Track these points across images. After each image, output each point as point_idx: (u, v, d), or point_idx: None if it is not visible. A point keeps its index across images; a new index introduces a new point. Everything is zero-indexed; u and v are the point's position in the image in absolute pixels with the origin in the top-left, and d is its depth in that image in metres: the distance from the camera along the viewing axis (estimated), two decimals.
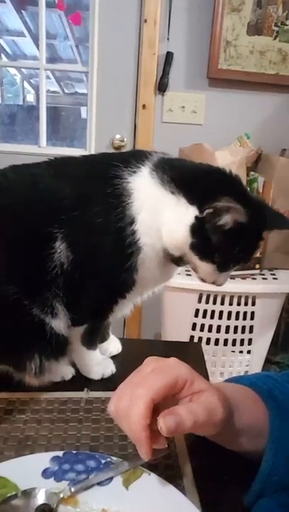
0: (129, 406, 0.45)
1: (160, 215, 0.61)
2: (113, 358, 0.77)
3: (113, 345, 0.80)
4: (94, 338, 0.71)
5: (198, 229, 0.59)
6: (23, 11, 2.73)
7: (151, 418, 0.44)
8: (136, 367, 0.73)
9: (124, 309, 0.72)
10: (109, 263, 0.63)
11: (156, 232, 0.61)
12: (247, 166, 1.64)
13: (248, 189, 0.66)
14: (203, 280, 0.65)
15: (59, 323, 0.64)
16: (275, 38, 1.75)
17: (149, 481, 0.49)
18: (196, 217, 0.59)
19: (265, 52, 1.76)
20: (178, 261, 0.65)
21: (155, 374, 0.47)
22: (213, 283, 0.65)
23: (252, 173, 1.65)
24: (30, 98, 3.82)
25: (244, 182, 1.59)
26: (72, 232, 0.60)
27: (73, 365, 0.73)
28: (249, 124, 1.81)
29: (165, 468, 0.53)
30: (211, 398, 0.47)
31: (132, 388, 0.47)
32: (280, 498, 0.64)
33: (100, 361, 0.73)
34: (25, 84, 3.95)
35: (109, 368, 0.73)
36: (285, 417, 0.52)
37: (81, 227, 0.61)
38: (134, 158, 0.63)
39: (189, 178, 0.62)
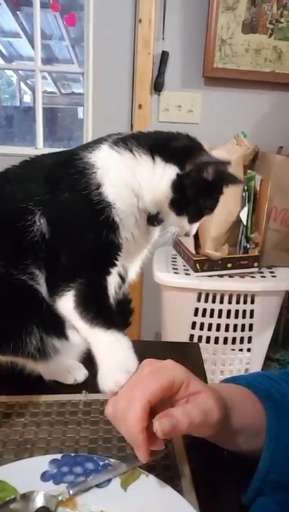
0: (126, 408, 0.45)
1: (130, 176, 0.66)
2: None
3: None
4: (92, 303, 0.60)
5: (179, 185, 0.65)
6: (18, 12, 2.73)
7: (148, 420, 0.45)
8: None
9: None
10: (85, 230, 0.65)
11: (126, 191, 0.66)
12: (244, 165, 1.65)
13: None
14: (177, 235, 0.70)
15: (44, 291, 0.64)
16: (270, 36, 1.75)
17: (147, 483, 0.49)
18: (178, 175, 0.65)
19: (260, 50, 1.76)
20: (153, 220, 0.69)
21: (151, 376, 0.48)
22: (186, 234, 0.71)
23: (249, 171, 1.66)
24: (27, 99, 3.82)
25: (242, 179, 1.61)
26: (47, 210, 0.65)
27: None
28: (245, 122, 1.81)
29: (163, 469, 0.54)
30: (206, 399, 0.47)
31: (129, 390, 0.48)
32: (277, 496, 0.64)
33: (123, 350, 0.57)
34: (22, 85, 3.95)
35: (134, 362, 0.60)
36: (282, 416, 0.52)
37: (54, 205, 0.65)
38: (93, 142, 0.70)
39: (159, 141, 0.68)
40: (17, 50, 3.33)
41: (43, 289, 0.65)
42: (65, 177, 0.67)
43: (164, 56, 1.79)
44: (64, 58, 3.14)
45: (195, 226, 0.71)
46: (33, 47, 1.96)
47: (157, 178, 0.65)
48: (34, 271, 0.64)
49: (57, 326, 0.67)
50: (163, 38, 1.78)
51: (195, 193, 0.66)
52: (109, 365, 0.54)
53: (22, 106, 3.85)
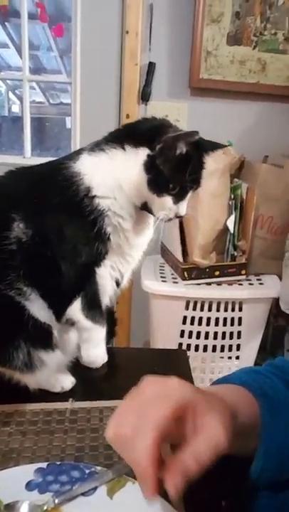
0: (132, 438, 0.41)
1: (113, 173, 0.68)
2: (102, 367, 0.77)
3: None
4: (95, 307, 0.73)
5: (151, 165, 0.67)
6: (6, 23, 2.75)
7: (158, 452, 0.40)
8: (124, 375, 0.74)
9: (106, 280, 0.75)
10: (77, 236, 0.68)
11: (116, 194, 0.68)
12: (230, 173, 1.66)
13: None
14: (167, 218, 0.71)
15: (34, 306, 0.65)
16: (254, 48, 1.78)
17: (134, 490, 0.49)
18: (148, 155, 0.67)
19: (245, 62, 1.79)
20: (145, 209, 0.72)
21: (159, 402, 0.42)
22: (177, 216, 0.72)
23: (235, 179, 1.67)
24: (16, 109, 3.83)
25: (228, 188, 1.63)
26: (30, 214, 0.66)
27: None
28: (231, 131, 1.83)
29: None
30: (214, 427, 0.41)
31: (134, 416, 0.42)
32: (271, 502, 0.64)
33: (104, 345, 0.76)
34: (11, 95, 3.96)
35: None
36: (276, 414, 0.51)
37: (39, 209, 0.67)
38: (74, 152, 0.73)
39: (126, 130, 0.72)
40: (5, 60, 3.34)
41: (32, 304, 0.65)
42: (54, 185, 0.69)
43: (151, 67, 1.81)
44: (52, 68, 3.16)
45: (183, 205, 0.71)
46: (21, 57, 1.97)
47: (131, 164, 0.67)
48: (21, 287, 0.64)
49: (44, 339, 0.67)
50: (150, 50, 1.81)
51: (170, 170, 0.67)
52: (98, 350, 0.76)
53: (10, 115, 3.85)
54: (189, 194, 0.71)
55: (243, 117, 1.88)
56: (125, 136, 0.70)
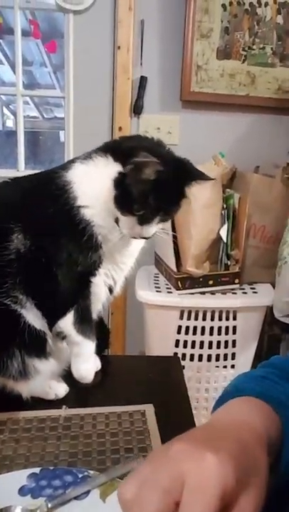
0: None
1: (94, 183, 0.69)
2: (96, 373, 0.78)
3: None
4: (85, 322, 0.73)
5: (119, 183, 0.67)
6: (0, 40, 2.80)
7: None
8: (118, 382, 0.74)
9: (100, 288, 0.75)
10: (70, 244, 0.69)
11: (98, 203, 0.69)
12: (223, 184, 1.69)
13: (173, 152, 0.72)
14: (130, 236, 0.71)
15: (29, 314, 0.66)
16: (243, 62, 1.82)
17: None
18: (119, 173, 0.67)
19: (234, 75, 1.83)
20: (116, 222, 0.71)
21: (200, 498, 0.32)
22: (141, 236, 0.71)
23: (228, 190, 1.70)
24: (10, 123, 3.87)
25: (220, 198, 1.65)
26: (28, 224, 0.67)
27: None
28: (223, 143, 1.86)
29: None
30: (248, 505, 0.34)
31: (159, 495, 0.33)
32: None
33: (94, 359, 0.77)
34: (5, 110, 4.01)
35: (97, 364, 0.79)
36: None
37: (36, 218, 0.69)
38: (68, 161, 0.74)
39: (114, 143, 0.73)
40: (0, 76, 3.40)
41: (27, 312, 0.66)
42: (48, 194, 0.70)
43: (143, 81, 1.85)
44: (46, 84, 3.21)
45: (148, 229, 0.70)
46: (15, 73, 2.00)
47: (107, 175, 0.68)
48: (17, 295, 0.65)
49: (38, 347, 0.68)
50: (141, 64, 1.84)
51: (137, 193, 0.66)
52: (88, 365, 0.75)
53: (4, 130, 3.89)
54: (156, 219, 0.69)
55: (234, 129, 1.91)
56: (112, 147, 0.71)
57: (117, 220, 0.70)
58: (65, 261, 0.69)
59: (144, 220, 0.68)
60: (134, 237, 0.71)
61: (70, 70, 1.88)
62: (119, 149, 0.69)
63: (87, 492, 0.49)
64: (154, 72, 1.86)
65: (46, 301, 0.68)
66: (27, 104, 3.46)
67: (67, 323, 0.72)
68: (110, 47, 1.84)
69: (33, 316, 0.67)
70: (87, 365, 0.75)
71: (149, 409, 0.68)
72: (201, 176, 0.71)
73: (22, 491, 0.49)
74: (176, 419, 0.68)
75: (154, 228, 0.71)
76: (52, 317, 0.70)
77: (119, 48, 1.81)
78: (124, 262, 0.77)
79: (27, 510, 0.47)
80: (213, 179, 0.73)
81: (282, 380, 0.54)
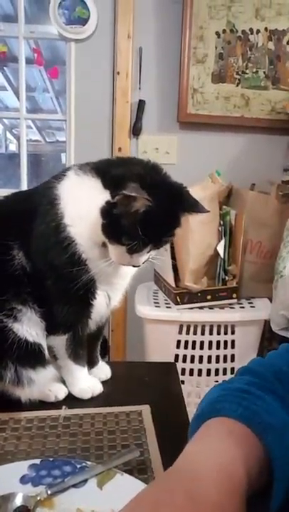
0: None
1: (81, 203, 0.68)
2: (104, 382, 0.79)
3: (102, 370, 0.82)
4: (78, 349, 0.74)
5: (108, 212, 0.64)
6: (4, 68, 2.91)
7: None
8: (116, 385, 0.77)
9: (96, 310, 0.75)
10: (56, 262, 0.68)
11: (82, 223, 0.67)
12: (219, 201, 1.74)
13: (169, 177, 0.69)
14: (120, 263, 0.69)
15: (23, 328, 0.68)
16: (237, 85, 1.90)
17: (122, 481, 0.51)
18: (107, 202, 0.64)
19: (229, 98, 1.91)
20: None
21: None
22: (131, 265, 0.69)
23: (224, 206, 1.75)
24: (13, 147, 3.97)
25: (217, 215, 1.69)
26: (25, 242, 0.68)
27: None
28: (219, 162, 1.92)
29: (139, 472, 0.56)
30: None
31: None
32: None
33: (88, 379, 0.77)
34: (8, 134, 4.12)
35: (98, 387, 0.77)
36: (283, 445, 0.45)
37: (31, 237, 0.69)
38: (62, 170, 0.73)
39: (107, 166, 0.69)
40: (3, 101, 3.51)
41: (21, 325, 0.68)
42: (40, 208, 0.70)
43: (141, 104, 1.93)
44: (48, 109, 3.32)
45: (138, 257, 0.67)
46: (18, 98, 2.08)
47: (94, 199, 0.66)
48: (16, 306, 0.68)
49: (32, 359, 0.70)
50: (140, 88, 1.92)
51: (127, 225, 0.63)
52: (82, 386, 0.75)
53: (7, 153, 3.99)
54: (147, 249, 0.66)
55: (230, 148, 1.98)
56: (102, 171, 0.67)
57: (104, 244, 0.68)
58: (55, 280, 0.69)
59: (133, 250, 0.65)
60: (123, 265, 0.69)
61: (71, 95, 1.96)
62: (109, 175, 0.66)
63: (85, 480, 0.51)
64: (152, 96, 1.94)
65: (47, 313, 0.70)
66: (30, 128, 3.57)
67: (59, 345, 0.72)
68: (110, 73, 1.93)
69: (27, 328, 0.69)
70: (80, 386, 0.75)
71: (145, 409, 0.71)
72: (195, 208, 0.68)
73: (23, 480, 0.51)
74: (171, 418, 0.70)
75: (145, 257, 0.68)
76: (48, 329, 0.72)
77: (118, 73, 1.90)
78: (118, 282, 0.76)
79: (28, 497, 0.49)
80: (207, 211, 0.69)
81: (265, 391, 0.49)
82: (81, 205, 0.68)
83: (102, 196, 0.65)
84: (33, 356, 0.69)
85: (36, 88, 2.56)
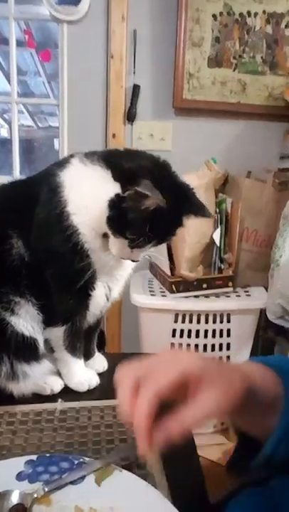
0: (135, 391, 0.44)
1: (87, 192, 0.66)
2: (100, 375, 0.78)
3: (99, 362, 0.81)
4: (76, 341, 0.73)
5: (116, 205, 0.63)
6: None
7: (155, 411, 0.43)
8: (112, 377, 0.75)
9: (96, 302, 0.73)
10: (57, 250, 0.67)
11: (86, 212, 0.66)
12: (215, 188, 1.72)
13: (178, 176, 0.68)
14: (120, 257, 0.68)
15: (19, 321, 0.66)
16: (234, 70, 1.86)
17: (121, 477, 0.50)
18: (117, 195, 0.63)
19: (225, 83, 1.87)
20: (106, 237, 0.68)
21: (166, 368, 0.45)
22: (130, 259, 0.69)
23: (220, 194, 1.73)
24: (4, 133, 3.90)
25: (213, 203, 1.67)
26: (24, 231, 0.67)
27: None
28: (215, 149, 1.89)
29: (137, 467, 0.55)
30: (206, 401, 0.43)
31: (144, 371, 0.45)
32: (255, 499, 0.65)
33: (85, 372, 0.76)
34: None
35: (94, 380, 0.76)
36: None
37: (31, 225, 0.67)
38: (65, 158, 0.71)
39: (118, 157, 0.67)
40: None
41: (18, 319, 0.67)
42: (41, 195, 0.68)
43: (136, 89, 1.88)
44: (40, 93, 3.25)
45: (138, 253, 0.67)
46: (9, 82, 2.03)
47: (102, 190, 0.64)
48: (14, 298, 0.66)
49: (27, 353, 0.69)
50: (134, 72, 1.88)
51: (135, 220, 0.63)
52: (78, 378, 0.74)
53: None
54: (149, 245, 0.66)
55: (226, 135, 1.95)
56: (114, 163, 0.65)
57: (106, 235, 0.67)
58: (56, 269, 0.68)
59: (136, 245, 0.65)
60: (123, 258, 0.69)
61: (64, 79, 1.91)
62: (120, 168, 0.64)
63: (83, 477, 0.50)
64: (146, 81, 1.89)
65: (45, 305, 0.69)
66: (21, 113, 3.50)
67: (56, 337, 0.71)
68: (104, 56, 1.88)
69: (23, 322, 0.67)
70: (76, 379, 0.74)
71: None
72: (201, 211, 0.68)
73: (19, 477, 0.50)
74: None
75: (145, 252, 0.68)
76: (45, 321, 0.70)
77: (112, 57, 1.85)
78: (119, 273, 0.75)
79: (24, 494, 0.48)
80: (211, 216, 0.69)
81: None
82: (87, 194, 0.66)
83: (111, 188, 0.64)
84: (28, 351, 0.68)
85: (28, 72, 2.50)
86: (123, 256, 0.67)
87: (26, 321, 0.68)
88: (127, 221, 0.63)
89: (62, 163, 0.69)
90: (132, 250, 0.66)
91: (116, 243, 0.66)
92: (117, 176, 0.64)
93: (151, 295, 1.67)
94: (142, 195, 0.60)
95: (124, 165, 0.65)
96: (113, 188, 0.63)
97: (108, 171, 0.65)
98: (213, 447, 1.74)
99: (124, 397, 0.45)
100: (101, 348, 0.87)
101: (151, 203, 0.61)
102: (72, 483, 0.49)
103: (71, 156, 0.70)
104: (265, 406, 0.48)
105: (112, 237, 0.66)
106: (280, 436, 0.48)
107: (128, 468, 0.53)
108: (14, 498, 0.47)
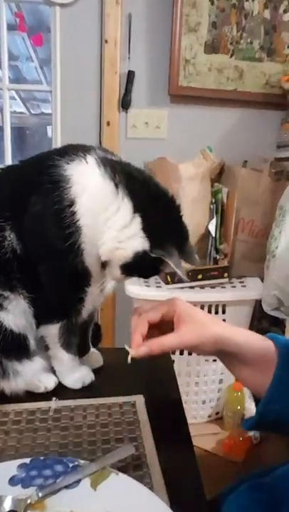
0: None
1: (103, 209, 0.63)
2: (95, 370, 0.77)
3: (94, 358, 0.80)
4: (71, 337, 0.71)
5: (139, 258, 0.64)
6: None
7: (146, 328, 0.64)
8: (107, 374, 0.75)
9: (92, 299, 0.72)
10: (53, 246, 0.64)
11: (95, 217, 0.63)
12: (211, 178, 1.69)
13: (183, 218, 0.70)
14: (111, 279, 0.71)
15: (8, 317, 0.64)
16: (231, 56, 1.82)
17: (117, 481, 0.49)
18: (144, 251, 0.63)
19: (222, 70, 1.83)
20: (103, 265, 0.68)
21: (158, 306, 0.66)
22: (120, 282, 0.72)
23: (216, 184, 1.70)
24: None
25: (209, 193, 1.65)
26: (18, 225, 0.64)
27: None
28: (211, 137, 1.86)
29: (134, 469, 0.54)
30: (173, 339, 0.62)
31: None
32: (253, 494, 0.65)
33: (79, 369, 0.74)
34: None
35: (89, 376, 0.74)
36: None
37: (25, 219, 0.64)
38: (72, 148, 0.66)
39: (148, 203, 0.64)
40: None
41: (7, 314, 0.64)
42: (38, 186, 0.64)
43: (131, 75, 1.84)
44: (33, 79, 3.18)
45: (128, 277, 0.70)
46: (0, 67, 1.98)
47: (125, 236, 0.63)
48: (3, 293, 0.64)
49: (18, 350, 0.67)
50: (129, 58, 1.83)
51: (148, 270, 0.67)
52: (72, 375, 0.73)
53: None
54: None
55: (222, 123, 1.92)
56: (144, 208, 0.63)
57: (104, 265, 0.67)
58: (50, 265, 0.65)
59: (131, 276, 0.69)
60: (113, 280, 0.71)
61: (56, 64, 1.87)
62: (153, 224, 0.63)
63: (78, 481, 0.49)
64: (141, 67, 1.85)
65: (38, 300, 0.67)
66: (13, 99, 3.43)
67: (52, 333, 0.70)
68: (98, 41, 1.83)
69: (13, 318, 0.65)
70: (70, 376, 0.73)
71: (139, 400, 0.68)
72: (189, 259, 0.70)
73: (12, 481, 0.48)
74: (166, 409, 0.68)
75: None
76: (39, 318, 0.69)
77: (106, 41, 1.80)
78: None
79: (17, 499, 0.46)
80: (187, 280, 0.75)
81: None
82: (101, 210, 0.63)
83: (138, 241, 0.63)
84: (17, 348, 0.66)
85: (19, 57, 2.44)
86: (116, 280, 0.70)
87: (15, 315, 0.65)
88: (141, 269, 0.66)
89: (69, 155, 0.64)
90: (126, 277, 0.68)
91: (118, 276, 0.67)
92: (148, 231, 0.63)
93: (146, 286, 1.66)
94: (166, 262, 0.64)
95: (157, 220, 0.64)
96: (140, 242, 0.63)
97: (137, 215, 0.63)
98: (207, 436, 1.75)
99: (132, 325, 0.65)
100: (96, 343, 0.85)
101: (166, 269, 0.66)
102: (67, 487, 0.48)
103: (84, 149, 0.65)
104: (256, 364, 0.61)
105: (118, 272, 0.66)
106: (271, 396, 0.58)
107: (124, 469, 0.52)
108: (7, 505, 0.46)
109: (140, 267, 0.65)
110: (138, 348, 0.62)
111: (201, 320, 0.64)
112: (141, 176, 0.67)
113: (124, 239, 0.63)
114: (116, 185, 0.63)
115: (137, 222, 0.63)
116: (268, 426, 0.62)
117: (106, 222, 0.63)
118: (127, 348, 0.63)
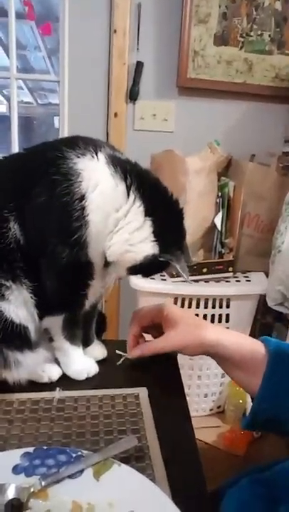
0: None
1: (114, 209, 0.64)
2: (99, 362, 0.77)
3: (98, 349, 0.80)
4: (75, 329, 0.72)
5: (148, 261, 0.65)
6: None
7: (140, 330, 0.77)
8: (111, 365, 0.75)
9: (94, 291, 0.71)
10: (57, 238, 0.63)
11: (105, 216, 0.63)
12: (218, 172, 1.68)
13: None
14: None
15: (9, 307, 0.64)
16: (240, 48, 1.80)
17: (120, 472, 0.49)
18: (153, 255, 0.65)
19: (231, 62, 1.81)
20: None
21: (149, 310, 0.76)
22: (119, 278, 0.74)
23: (223, 178, 1.69)
24: (3, 109, 3.81)
25: (215, 187, 1.64)
26: (21, 216, 0.63)
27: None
28: (218, 130, 1.85)
29: (136, 460, 0.54)
30: (159, 343, 0.72)
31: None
32: (254, 487, 0.65)
33: (84, 360, 0.74)
34: None
35: (93, 368, 0.75)
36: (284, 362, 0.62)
37: (28, 210, 0.63)
38: (82, 141, 0.65)
39: (161, 209, 0.66)
40: None
41: (8, 305, 0.64)
42: (43, 177, 0.62)
43: (139, 66, 1.83)
44: (40, 69, 3.16)
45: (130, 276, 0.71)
46: (8, 56, 1.97)
47: (137, 240, 0.64)
48: (5, 283, 0.63)
49: (19, 341, 0.66)
50: (138, 49, 1.82)
51: (151, 269, 0.68)
52: (76, 366, 0.74)
53: None
54: None
55: (230, 116, 1.90)
56: (156, 215, 0.64)
57: (106, 264, 0.67)
58: (52, 257, 0.64)
59: (134, 275, 0.69)
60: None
61: (65, 54, 1.85)
62: (163, 230, 0.65)
63: (81, 471, 0.49)
64: (150, 58, 1.83)
65: (40, 292, 0.66)
66: (21, 89, 3.42)
67: (55, 325, 0.70)
68: (106, 31, 1.81)
69: (14, 308, 0.65)
70: (75, 367, 0.73)
71: (142, 392, 0.68)
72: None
73: (16, 470, 0.49)
74: (169, 402, 0.68)
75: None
76: (42, 309, 0.68)
77: (115, 31, 1.79)
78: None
79: (20, 488, 0.47)
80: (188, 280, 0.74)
81: None
82: (110, 210, 0.64)
83: (149, 246, 0.65)
84: (18, 338, 0.66)
85: (27, 46, 2.43)
86: (118, 277, 0.71)
87: (16, 306, 0.65)
88: (146, 270, 0.67)
89: (79, 148, 0.63)
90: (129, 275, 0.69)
91: (121, 275, 0.69)
92: (158, 236, 0.64)
93: (151, 279, 1.66)
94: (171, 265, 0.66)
95: (168, 227, 0.66)
96: (150, 247, 0.64)
97: (148, 221, 0.64)
98: (209, 430, 1.76)
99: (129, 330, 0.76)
100: (101, 333, 0.85)
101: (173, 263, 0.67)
102: (69, 477, 0.48)
103: (93, 144, 0.65)
104: (245, 366, 0.64)
105: (123, 273, 0.68)
106: (262, 395, 0.61)
107: (127, 461, 0.52)
108: (10, 493, 0.46)
109: (146, 268, 0.67)
110: (132, 350, 0.75)
111: (186, 324, 0.69)
112: (150, 178, 0.67)
113: (135, 242, 0.64)
114: (128, 187, 0.63)
115: (148, 225, 0.64)
116: (262, 425, 0.64)
117: (115, 223, 0.64)
118: (119, 352, 0.76)
